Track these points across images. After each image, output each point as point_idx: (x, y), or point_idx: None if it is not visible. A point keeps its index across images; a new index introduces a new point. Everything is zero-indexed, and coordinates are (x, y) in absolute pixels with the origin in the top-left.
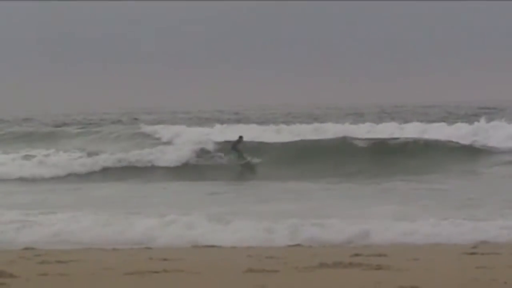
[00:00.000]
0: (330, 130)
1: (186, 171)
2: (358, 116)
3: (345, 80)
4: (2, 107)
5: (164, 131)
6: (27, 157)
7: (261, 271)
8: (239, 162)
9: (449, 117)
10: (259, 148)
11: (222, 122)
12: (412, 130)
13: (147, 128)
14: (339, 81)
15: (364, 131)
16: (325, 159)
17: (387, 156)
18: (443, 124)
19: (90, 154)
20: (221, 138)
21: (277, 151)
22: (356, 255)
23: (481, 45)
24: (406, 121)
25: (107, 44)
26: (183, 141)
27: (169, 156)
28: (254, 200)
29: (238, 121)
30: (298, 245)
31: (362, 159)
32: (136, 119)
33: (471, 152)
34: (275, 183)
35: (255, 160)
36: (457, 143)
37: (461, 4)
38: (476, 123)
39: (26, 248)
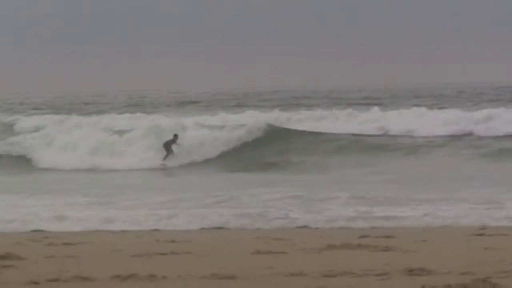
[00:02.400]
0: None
1: None
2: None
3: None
4: None
5: None
6: None
7: (268, 253)
8: (165, 160)
9: None
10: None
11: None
12: None
13: None
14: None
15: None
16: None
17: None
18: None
19: None
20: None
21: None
22: (364, 236)
23: None
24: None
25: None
26: None
27: None
28: None
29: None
30: (305, 226)
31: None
32: None
33: None
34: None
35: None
36: None
37: None
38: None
39: (34, 231)
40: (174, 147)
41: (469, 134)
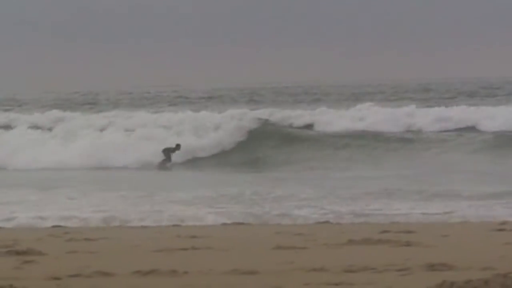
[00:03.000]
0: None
1: None
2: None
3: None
4: None
5: None
6: None
7: (289, 248)
8: (161, 165)
9: None
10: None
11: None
12: None
13: None
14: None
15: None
16: None
17: None
18: None
19: None
20: None
21: None
22: (385, 231)
23: None
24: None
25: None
26: None
27: None
28: None
29: None
30: (326, 222)
31: None
32: None
33: None
34: None
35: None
36: None
37: None
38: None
39: (55, 226)
40: (173, 156)
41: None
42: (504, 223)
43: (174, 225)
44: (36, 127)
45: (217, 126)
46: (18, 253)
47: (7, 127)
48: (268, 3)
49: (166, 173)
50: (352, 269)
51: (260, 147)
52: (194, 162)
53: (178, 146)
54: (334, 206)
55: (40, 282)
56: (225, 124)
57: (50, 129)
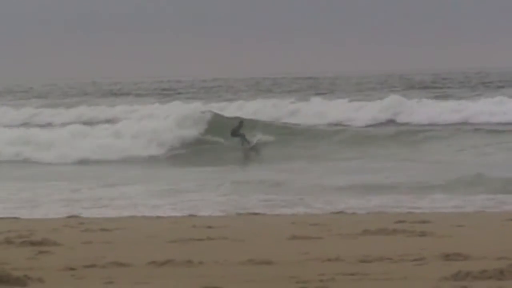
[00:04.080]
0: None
1: None
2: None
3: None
4: None
5: None
6: None
7: (305, 238)
8: (244, 147)
9: None
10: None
11: None
12: None
13: None
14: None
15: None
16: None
17: None
18: None
19: None
20: None
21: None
22: (400, 221)
23: None
24: None
25: None
26: None
27: None
28: None
29: None
30: (341, 212)
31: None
32: None
33: None
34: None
35: (265, 138)
36: None
37: None
38: None
39: (70, 216)
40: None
41: None
42: None
43: (190, 215)
44: None
45: None
46: (33, 243)
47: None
48: None
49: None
50: (367, 259)
51: None
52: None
53: (241, 123)
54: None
55: (55, 273)
56: None
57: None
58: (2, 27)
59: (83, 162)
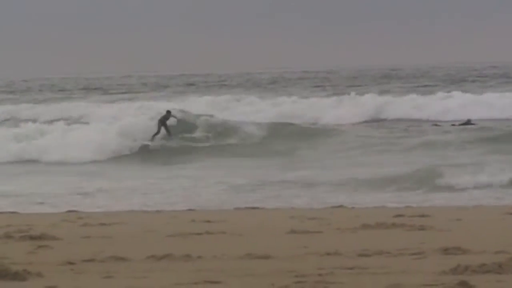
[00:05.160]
0: None
1: None
2: None
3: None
4: None
5: None
6: None
7: (304, 232)
8: (168, 139)
9: None
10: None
11: None
12: None
13: None
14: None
15: None
16: None
17: None
18: None
19: None
20: None
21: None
22: (399, 215)
23: None
24: None
25: None
26: None
27: None
28: None
29: None
30: (340, 206)
31: None
32: None
33: None
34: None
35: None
36: None
37: None
38: None
39: (69, 211)
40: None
41: None
42: None
43: (189, 210)
44: None
45: None
46: (32, 238)
47: None
48: None
49: None
50: (366, 253)
51: None
52: None
53: (168, 113)
54: None
55: (54, 267)
56: None
57: None
58: None
59: None
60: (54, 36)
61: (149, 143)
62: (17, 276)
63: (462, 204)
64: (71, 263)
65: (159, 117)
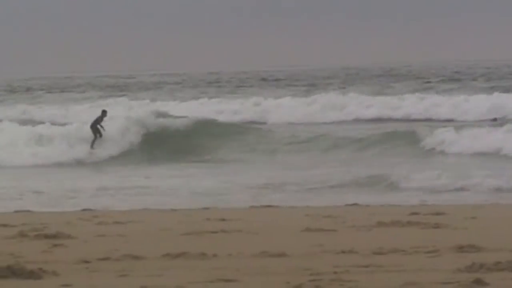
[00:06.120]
0: None
1: None
2: None
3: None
4: None
5: None
6: None
7: (318, 230)
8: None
9: None
10: None
11: None
12: None
13: None
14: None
15: None
16: None
17: None
18: None
19: None
20: None
21: None
22: (414, 213)
23: None
24: None
25: None
26: None
27: None
28: None
29: None
30: (355, 204)
31: None
32: None
33: None
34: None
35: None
36: None
37: None
38: None
39: (84, 209)
40: (101, 126)
41: None
42: None
43: (204, 208)
44: None
45: None
46: (47, 236)
47: None
48: None
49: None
50: (381, 251)
51: None
52: None
53: (104, 113)
54: None
55: (69, 266)
56: None
57: None
58: None
59: None
60: None
61: (92, 150)
62: (32, 274)
63: (477, 202)
64: (86, 262)
65: (90, 123)
